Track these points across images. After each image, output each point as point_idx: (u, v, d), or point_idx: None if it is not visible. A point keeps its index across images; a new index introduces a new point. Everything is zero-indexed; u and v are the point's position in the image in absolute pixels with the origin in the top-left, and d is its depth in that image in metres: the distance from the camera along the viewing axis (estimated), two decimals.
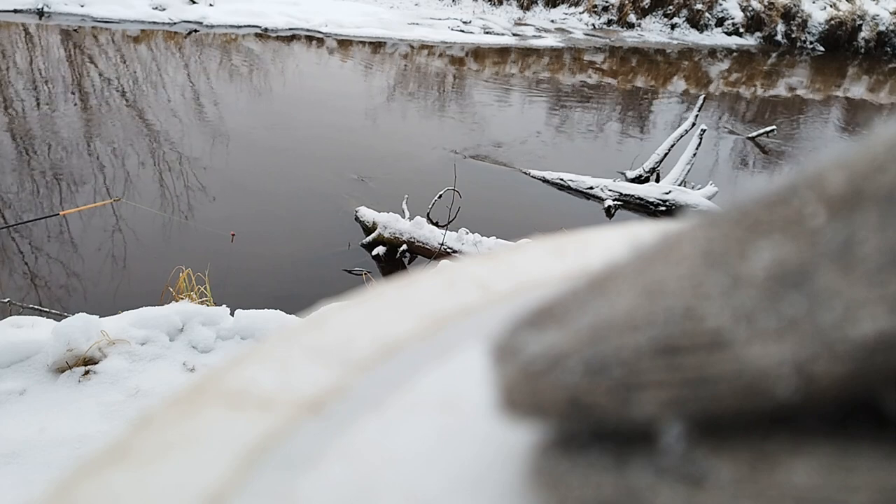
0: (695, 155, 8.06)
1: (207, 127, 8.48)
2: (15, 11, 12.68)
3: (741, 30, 19.45)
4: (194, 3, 14.48)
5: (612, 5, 18.80)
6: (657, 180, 8.22)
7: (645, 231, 0.37)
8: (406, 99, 11.16)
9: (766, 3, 19.60)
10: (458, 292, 0.32)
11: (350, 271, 5.50)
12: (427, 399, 0.26)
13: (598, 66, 15.07)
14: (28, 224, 5.48)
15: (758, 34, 19.60)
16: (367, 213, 6.09)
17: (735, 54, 18.06)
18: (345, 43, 14.16)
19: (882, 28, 20.07)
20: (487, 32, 16.52)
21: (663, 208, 7.41)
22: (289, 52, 13.02)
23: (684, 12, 19.20)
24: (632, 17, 18.78)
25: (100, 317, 3.34)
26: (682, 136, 8.54)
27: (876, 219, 0.16)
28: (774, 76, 16.09)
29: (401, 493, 0.22)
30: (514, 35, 16.65)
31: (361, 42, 14.42)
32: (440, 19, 16.85)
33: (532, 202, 7.32)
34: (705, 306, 0.17)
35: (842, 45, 19.83)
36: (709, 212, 0.19)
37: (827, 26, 19.76)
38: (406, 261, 5.80)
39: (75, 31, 12.36)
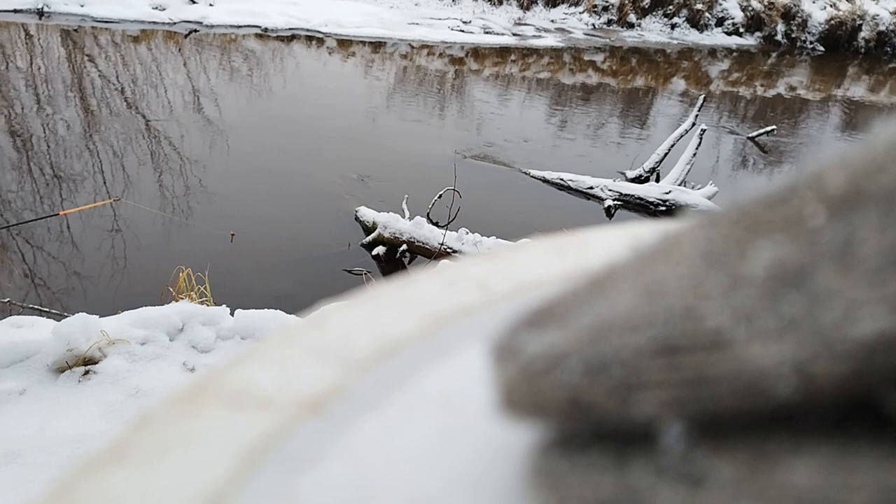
0: (695, 155, 8.06)
1: (207, 127, 8.48)
2: (15, 11, 12.68)
3: (741, 30, 19.45)
4: (194, 2, 14.48)
5: (612, 5, 18.80)
6: (657, 180, 8.22)
7: (645, 231, 0.37)
8: (406, 99, 11.16)
9: (766, 3, 19.60)
10: (458, 292, 0.32)
11: (350, 271, 5.49)
12: (427, 399, 0.26)
13: (598, 66, 15.07)
14: (28, 224, 5.47)
15: (758, 34, 19.60)
16: (367, 213, 6.09)
17: (735, 54, 18.06)
18: (345, 43, 14.16)
19: (882, 28, 20.07)
20: (487, 32, 16.53)
21: (663, 208, 7.41)
22: (289, 52, 13.02)
23: (684, 12, 19.20)
24: (632, 17, 18.78)
25: (100, 317, 3.33)
26: (682, 136, 8.54)
27: (876, 219, 0.16)
28: (774, 76, 16.09)
29: (401, 493, 0.22)
30: (514, 35, 16.65)
31: (361, 42, 14.42)
32: (440, 19, 16.85)
33: (532, 202, 7.32)
34: (705, 306, 0.17)
35: (842, 45, 19.83)
36: (709, 212, 0.19)
37: (827, 26, 19.76)
38: (406, 261, 5.80)
39: (75, 31, 12.36)
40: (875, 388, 0.16)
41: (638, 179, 8.28)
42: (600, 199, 7.50)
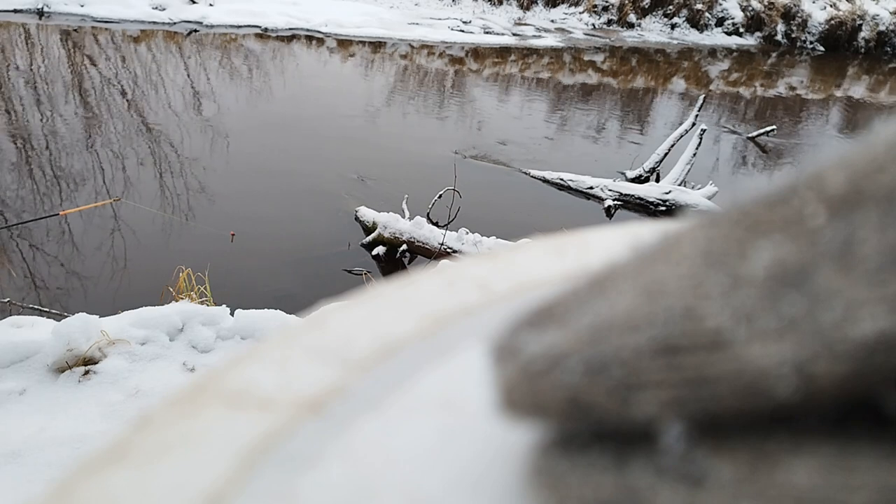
0: (695, 155, 8.06)
1: (207, 127, 8.47)
2: (15, 11, 12.68)
3: (741, 30, 19.45)
4: (194, 2, 14.48)
5: (612, 5, 18.80)
6: (657, 180, 8.22)
7: (645, 231, 0.37)
8: (406, 99, 11.16)
9: (766, 3, 19.60)
10: (458, 292, 0.32)
11: (350, 271, 5.49)
12: (427, 399, 0.26)
13: (598, 66, 15.07)
14: (28, 224, 5.47)
15: (758, 34, 19.60)
16: (367, 213, 6.09)
17: (735, 54, 18.06)
18: (345, 43, 14.16)
19: (882, 28, 20.07)
20: (487, 32, 16.52)
21: (663, 208, 7.41)
22: (289, 52, 13.02)
23: (684, 12, 19.20)
24: (632, 17, 18.78)
25: (100, 317, 3.33)
26: (682, 136, 8.54)
27: (876, 219, 0.16)
28: (774, 76, 16.09)
29: (401, 493, 0.22)
30: (514, 35, 16.65)
31: (361, 42, 14.42)
32: (440, 19, 16.85)
33: (532, 202, 7.32)
34: (705, 306, 0.17)
35: (842, 45, 19.83)
36: (709, 212, 0.19)
37: (827, 26, 19.76)
38: (406, 261, 5.80)
39: (75, 31, 12.35)
40: (875, 388, 0.16)
41: (638, 179, 8.28)
42: (600, 199, 7.50)
